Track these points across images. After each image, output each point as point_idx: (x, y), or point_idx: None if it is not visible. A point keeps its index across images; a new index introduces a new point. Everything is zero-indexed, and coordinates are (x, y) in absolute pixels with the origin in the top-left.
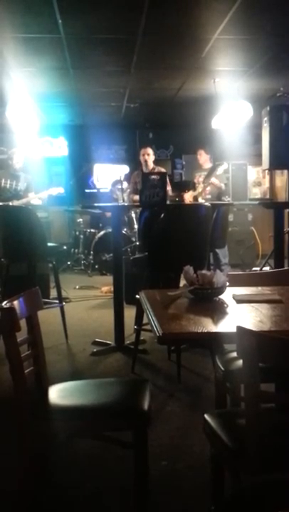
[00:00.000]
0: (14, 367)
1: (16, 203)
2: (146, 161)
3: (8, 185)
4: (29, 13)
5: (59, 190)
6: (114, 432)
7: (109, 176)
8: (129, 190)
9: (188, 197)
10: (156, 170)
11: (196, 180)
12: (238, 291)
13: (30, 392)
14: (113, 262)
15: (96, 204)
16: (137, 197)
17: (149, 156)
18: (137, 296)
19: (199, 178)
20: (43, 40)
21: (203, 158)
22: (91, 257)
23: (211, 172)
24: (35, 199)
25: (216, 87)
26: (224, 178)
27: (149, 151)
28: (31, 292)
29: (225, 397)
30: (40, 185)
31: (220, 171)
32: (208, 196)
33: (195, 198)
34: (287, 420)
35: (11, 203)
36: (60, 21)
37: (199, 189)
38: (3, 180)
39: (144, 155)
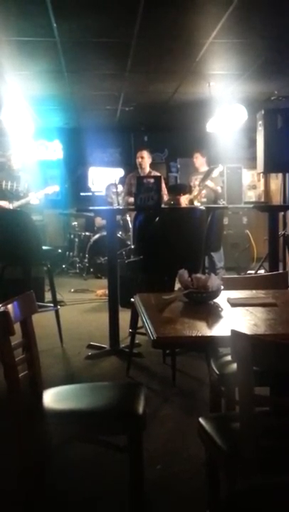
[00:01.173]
0: (8, 371)
1: (15, 204)
2: (140, 164)
3: (8, 187)
4: (24, 16)
5: (54, 189)
6: (109, 436)
7: (104, 179)
8: (123, 192)
9: (184, 200)
10: (152, 174)
11: (192, 184)
12: (232, 295)
13: (25, 395)
14: (108, 265)
15: (91, 207)
16: (131, 199)
17: (143, 159)
18: (132, 300)
19: (195, 181)
20: (38, 44)
21: (200, 162)
22: (86, 260)
23: (206, 175)
24: (34, 199)
25: (210, 90)
26: (220, 181)
27: (144, 154)
28: (26, 296)
29: (220, 400)
30: (36, 188)
31: (215, 173)
32: (204, 199)
33: (191, 202)
34: (282, 423)
35: (11, 205)
36: (54, 25)
37: (195, 192)
38: (3, 182)
39: (138, 158)
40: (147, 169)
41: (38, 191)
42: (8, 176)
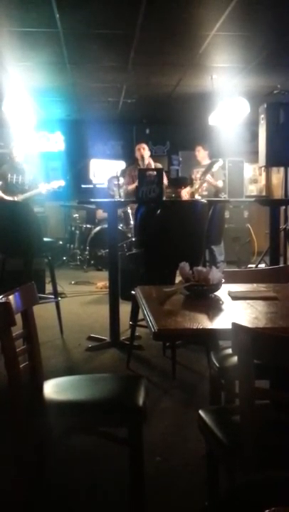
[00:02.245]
0: (9, 361)
1: (20, 197)
2: (142, 156)
3: (14, 180)
4: (26, 7)
5: (60, 183)
6: (109, 428)
7: (106, 171)
8: (124, 184)
9: (185, 193)
10: (153, 166)
11: (193, 176)
12: (233, 288)
13: (26, 386)
14: (109, 257)
15: (92, 199)
16: (132, 186)
17: (144, 149)
18: (133, 292)
19: (197, 174)
20: (40, 35)
21: (202, 155)
22: (87, 252)
23: (207, 169)
24: (44, 188)
25: (213, 83)
26: (222, 175)
27: (144, 145)
28: (27, 287)
29: (220, 393)
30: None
31: (215, 167)
32: (205, 193)
33: (192, 195)
34: (282, 417)
35: (16, 198)
36: (57, 15)
37: (196, 186)
38: (9, 175)
39: (139, 149)
40: (147, 161)
41: (44, 184)
42: (13, 168)
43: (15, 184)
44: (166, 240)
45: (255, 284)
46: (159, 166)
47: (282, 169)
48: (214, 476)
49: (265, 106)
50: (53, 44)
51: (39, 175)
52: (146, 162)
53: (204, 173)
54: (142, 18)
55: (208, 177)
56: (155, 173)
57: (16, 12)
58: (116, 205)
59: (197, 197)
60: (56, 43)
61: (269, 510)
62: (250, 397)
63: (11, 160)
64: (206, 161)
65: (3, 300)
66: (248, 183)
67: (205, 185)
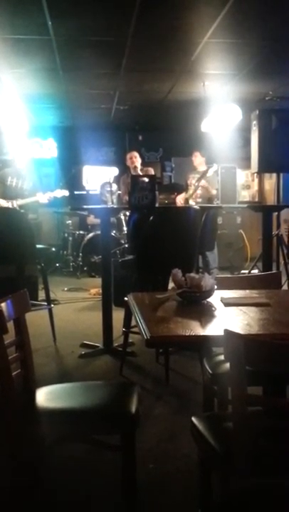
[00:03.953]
0: (1, 369)
1: (19, 202)
2: (135, 166)
3: (14, 184)
4: (18, 14)
5: (64, 193)
6: (102, 435)
7: (99, 178)
8: (121, 192)
9: (180, 199)
10: (144, 171)
11: (188, 182)
12: (226, 294)
13: (18, 394)
14: (102, 264)
15: (85, 206)
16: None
17: (136, 158)
18: (126, 299)
19: (192, 179)
20: (33, 42)
21: (198, 161)
22: (80, 259)
23: (203, 175)
24: (42, 198)
25: (205, 90)
26: (216, 183)
27: (136, 154)
28: (19, 294)
29: (212, 400)
30: (42, 188)
31: (210, 172)
32: (199, 200)
33: (186, 201)
34: (275, 424)
35: (10, 203)
36: (49, 23)
37: (190, 191)
38: (9, 178)
39: (131, 158)
40: (139, 168)
41: (46, 192)
42: (16, 173)
43: (14, 188)
44: (158, 247)
45: (247, 291)
46: (151, 171)
47: (274, 175)
48: (207, 483)
49: (257, 112)
50: (46, 51)
51: (39, 183)
52: (138, 171)
53: (199, 179)
54: (135, 25)
55: (203, 182)
56: (148, 179)
57: (9, 19)
58: (109, 211)
59: (191, 203)
60: (49, 50)
61: None
62: (243, 403)
63: (16, 165)
64: (202, 167)
65: None
66: (241, 189)
67: (199, 191)
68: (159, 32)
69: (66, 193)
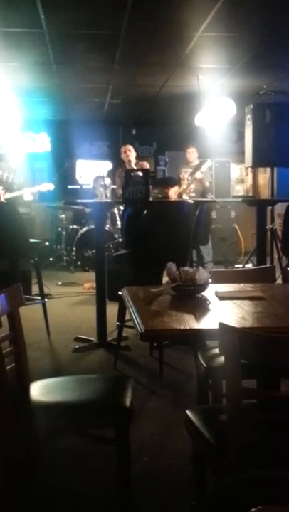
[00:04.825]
0: None
1: (7, 195)
2: (129, 160)
3: (4, 178)
4: (11, 7)
5: (49, 187)
6: (96, 429)
7: (92, 172)
8: (116, 186)
9: (172, 193)
10: (139, 165)
11: (181, 176)
12: (220, 288)
13: (12, 389)
14: (96, 258)
15: (79, 200)
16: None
17: (130, 151)
18: (120, 293)
19: (185, 174)
20: (25, 35)
21: (194, 156)
22: (73, 253)
23: (196, 169)
24: (28, 194)
25: (199, 84)
26: (209, 176)
27: (130, 147)
28: (13, 289)
29: (207, 393)
30: (29, 183)
31: (204, 168)
32: (193, 194)
33: (179, 195)
34: (269, 416)
35: (2, 196)
36: (42, 16)
37: (184, 186)
38: (0, 171)
39: (125, 151)
40: (134, 161)
41: (31, 187)
42: (7, 167)
43: (5, 181)
44: (152, 241)
45: (242, 284)
46: (146, 166)
47: (268, 169)
48: (202, 476)
49: (252, 106)
50: (38, 44)
51: (31, 178)
52: (132, 164)
53: (192, 173)
54: (128, 19)
55: (198, 174)
56: (141, 173)
57: (1, 12)
58: (103, 206)
59: (185, 197)
60: (41, 43)
61: (255, 509)
62: (237, 396)
63: (6, 159)
64: (196, 162)
65: None
66: (235, 183)
67: (193, 186)
68: (152, 26)
69: (51, 186)
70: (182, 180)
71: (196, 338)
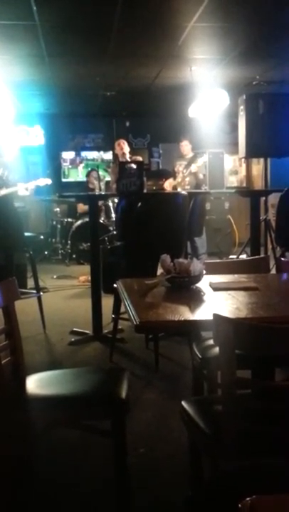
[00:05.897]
0: None
1: (3, 191)
2: (123, 153)
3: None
4: None
5: (46, 181)
6: (92, 421)
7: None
8: (111, 181)
9: (168, 185)
10: (132, 159)
11: (176, 169)
12: (214, 279)
13: (8, 382)
14: (90, 251)
15: (73, 193)
16: None
17: (124, 144)
18: (115, 285)
19: (180, 167)
20: (18, 27)
21: (187, 148)
22: (68, 246)
23: (190, 162)
24: (22, 190)
25: (192, 75)
26: (203, 169)
27: (123, 141)
28: (8, 282)
29: (202, 384)
30: (25, 178)
31: (200, 162)
32: (188, 187)
33: (174, 188)
34: (264, 406)
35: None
36: (34, 8)
37: (179, 179)
38: None
39: (119, 144)
40: (128, 155)
41: (28, 182)
42: (3, 162)
43: (1, 177)
44: (147, 233)
45: (236, 275)
46: (140, 159)
47: (262, 160)
48: (197, 466)
49: (245, 97)
50: (31, 37)
51: (26, 173)
52: (127, 158)
53: (187, 166)
54: (120, 10)
55: (193, 167)
56: (135, 166)
57: None
58: (97, 198)
59: (179, 189)
60: (34, 35)
61: (250, 498)
62: (232, 386)
63: (2, 156)
64: (190, 154)
65: None
66: (229, 174)
67: (187, 178)
68: (145, 16)
69: (49, 181)
70: (177, 173)
71: (190, 330)
